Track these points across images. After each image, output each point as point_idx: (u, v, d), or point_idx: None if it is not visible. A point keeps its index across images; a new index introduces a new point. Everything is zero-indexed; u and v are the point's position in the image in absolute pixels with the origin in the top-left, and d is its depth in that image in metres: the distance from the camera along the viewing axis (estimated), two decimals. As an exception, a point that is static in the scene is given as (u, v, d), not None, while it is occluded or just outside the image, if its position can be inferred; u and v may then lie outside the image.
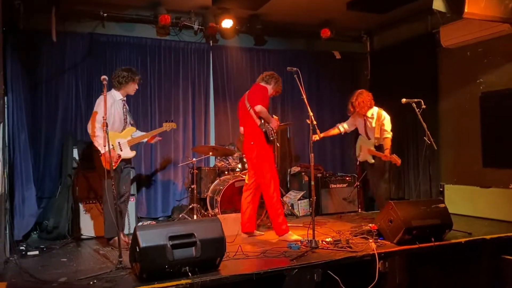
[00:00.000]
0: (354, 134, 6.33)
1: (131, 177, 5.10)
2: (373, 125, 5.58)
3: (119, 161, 4.69)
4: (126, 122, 4.86)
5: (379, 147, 5.55)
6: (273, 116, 5.04)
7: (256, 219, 5.12)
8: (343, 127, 5.89)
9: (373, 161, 5.59)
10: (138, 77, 4.90)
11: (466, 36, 6.01)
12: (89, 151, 4.67)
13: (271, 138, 4.88)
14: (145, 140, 5.07)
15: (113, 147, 4.61)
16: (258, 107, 4.78)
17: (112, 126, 4.66)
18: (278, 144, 5.02)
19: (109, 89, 4.75)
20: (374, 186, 5.80)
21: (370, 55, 8.08)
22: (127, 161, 4.88)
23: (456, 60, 6.46)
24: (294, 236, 4.76)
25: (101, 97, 4.57)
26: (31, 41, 5.70)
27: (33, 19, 5.53)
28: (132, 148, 4.86)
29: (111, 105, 4.65)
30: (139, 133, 5.03)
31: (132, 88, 4.86)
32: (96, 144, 4.55)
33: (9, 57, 4.78)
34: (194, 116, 6.92)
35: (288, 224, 5.71)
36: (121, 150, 4.72)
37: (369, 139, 5.67)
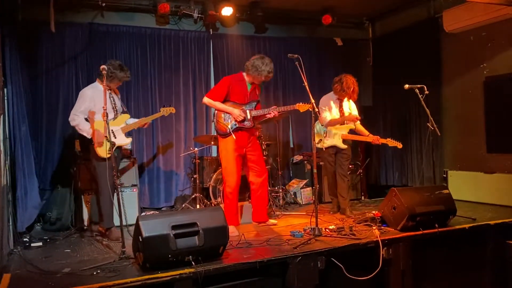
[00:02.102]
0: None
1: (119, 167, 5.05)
2: (348, 109, 5.55)
3: (114, 149, 4.60)
4: (116, 111, 4.83)
5: (352, 132, 5.54)
6: (245, 108, 4.79)
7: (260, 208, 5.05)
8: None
9: (345, 146, 5.51)
10: (125, 76, 4.79)
11: (470, 20, 5.94)
12: (88, 143, 4.68)
13: (220, 132, 4.80)
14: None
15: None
16: (204, 99, 4.82)
17: (99, 116, 4.64)
18: (234, 136, 4.71)
19: (94, 80, 4.85)
20: (341, 169, 5.60)
21: (372, 41, 8.01)
22: (121, 149, 4.92)
23: (460, 45, 6.39)
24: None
25: (83, 90, 4.77)
26: (30, 32, 5.66)
27: (31, 9, 5.49)
28: (128, 134, 4.90)
29: (91, 97, 4.65)
30: (133, 120, 5.02)
31: (115, 84, 4.82)
32: (80, 132, 4.64)
33: (8, 48, 4.75)
34: (195, 105, 6.88)
35: (292, 212, 5.73)
36: (115, 138, 4.72)
37: (340, 125, 5.56)
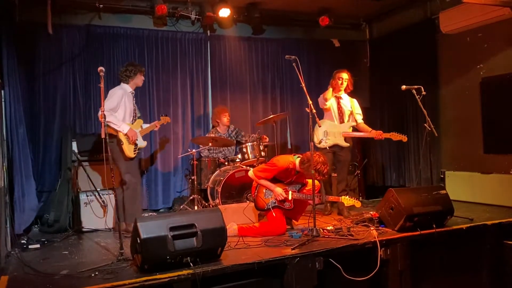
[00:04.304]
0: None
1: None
2: (349, 108, 5.59)
3: (137, 151, 5.00)
4: (135, 114, 5.10)
5: (355, 130, 5.57)
6: (289, 188, 4.67)
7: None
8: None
9: (347, 144, 5.52)
10: (144, 68, 5.18)
11: (466, 22, 5.96)
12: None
13: (258, 208, 4.75)
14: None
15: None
16: (249, 172, 4.84)
17: (124, 118, 4.91)
18: (274, 214, 4.60)
19: (118, 84, 5.08)
20: (341, 172, 5.63)
21: (370, 43, 8.03)
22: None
23: (456, 46, 6.42)
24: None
25: (113, 89, 4.94)
26: (27, 33, 5.66)
27: (29, 11, 5.49)
28: (143, 138, 5.15)
29: (122, 96, 4.89)
30: (146, 125, 5.32)
31: (140, 79, 5.12)
32: (116, 127, 4.76)
33: (5, 50, 4.74)
34: (193, 106, 6.89)
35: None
36: (137, 140, 4.97)
37: (340, 122, 5.58)
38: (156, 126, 5.40)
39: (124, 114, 4.93)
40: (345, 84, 5.58)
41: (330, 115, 5.62)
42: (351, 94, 5.82)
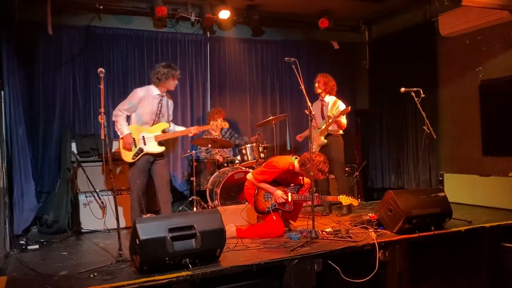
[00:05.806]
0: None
1: (167, 170, 5.21)
2: (328, 108, 5.70)
3: (140, 155, 4.83)
4: (158, 118, 4.95)
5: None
6: (288, 190, 4.66)
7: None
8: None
9: (325, 141, 5.63)
10: (178, 73, 4.98)
11: (465, 24, 5.99)
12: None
13: (258, 211, 4.71)
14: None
15: (134, 140, 4.84)
16: (248, 175, 4.79)
17: (139, 120, 4.86)
18: (274, 217, 4.56)
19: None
20: (335, 169, 5.70)
21: (369, 45, 8.04)
22: (156, 155, 4.95)
23: (455, 49, 6.43)
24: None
25: (137, 89, 4.91)
26: (27, 34, 5.65)
27: (29, 11, 5.48)
28: (161, 143, 4.96)
29: (141, 99, 4.81)
30: (176, 128, 5.19)
31: (172, 84, 4.96)
32: (116, 129, 4.79)
33: (5, 50, 4.75)
34: (193, 108, 6.89)
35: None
36: (145, 144, 4.84)
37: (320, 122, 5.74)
38: (191, 132, 5.15)
39: (142, 116, 4.85)
40: (319, 86, 5.72)
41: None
42: (342, 95, 5.96)
